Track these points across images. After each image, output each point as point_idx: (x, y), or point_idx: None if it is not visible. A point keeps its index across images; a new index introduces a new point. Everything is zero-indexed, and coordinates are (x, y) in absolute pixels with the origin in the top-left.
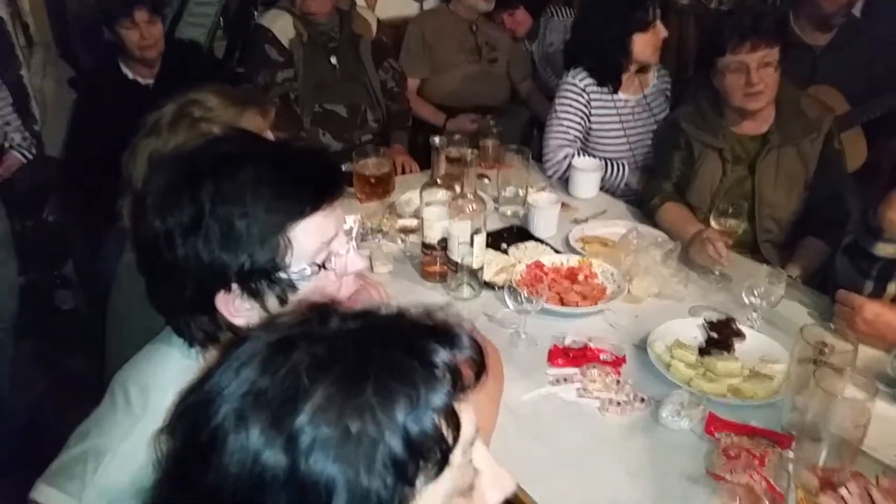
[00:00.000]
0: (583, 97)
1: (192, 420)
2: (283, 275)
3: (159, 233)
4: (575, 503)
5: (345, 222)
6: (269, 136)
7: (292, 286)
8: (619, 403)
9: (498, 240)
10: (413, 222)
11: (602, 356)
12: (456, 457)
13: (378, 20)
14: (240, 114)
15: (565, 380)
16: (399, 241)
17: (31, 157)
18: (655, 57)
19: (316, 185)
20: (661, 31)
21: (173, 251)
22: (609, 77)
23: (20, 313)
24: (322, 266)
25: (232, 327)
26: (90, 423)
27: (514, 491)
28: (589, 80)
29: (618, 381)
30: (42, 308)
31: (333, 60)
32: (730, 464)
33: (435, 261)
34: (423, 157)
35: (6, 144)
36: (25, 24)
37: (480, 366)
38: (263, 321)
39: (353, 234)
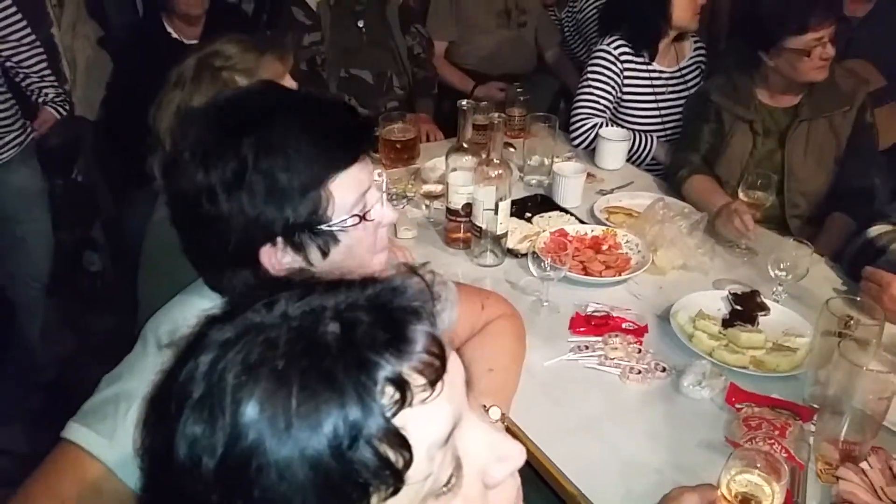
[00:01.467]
0: (616, 66)
1: (153, 420)
2: (325, 227)
3: (202, 187)
4: (593, 465)
5: (374, 176)
6: (290, 81)
7: (334, 238)
8: (639, 371)
9: (522, 208)
10: (438, 188)
11: (624, 325)
12: (417, 471)
13: None
14: (258, 59)
15: (587, 347)
16: (423, 207)
17: (64, 113)
18: (695, 22)
19: (352, 138)
20: None
21: (216, 205)
22: (646, 43)
23: (50, 273)
24: (363, 217)
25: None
26: (122, 368)
27: (524, 461)
28: (624, 49)
29: (639, 350)
30: (70, 269)
31: (360, 24)
32: (750, 433)
33: (459, 227)
34: (449, 126)
35: (40, 100)
36: None
37: (439, 369)
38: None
39: (384, 187)
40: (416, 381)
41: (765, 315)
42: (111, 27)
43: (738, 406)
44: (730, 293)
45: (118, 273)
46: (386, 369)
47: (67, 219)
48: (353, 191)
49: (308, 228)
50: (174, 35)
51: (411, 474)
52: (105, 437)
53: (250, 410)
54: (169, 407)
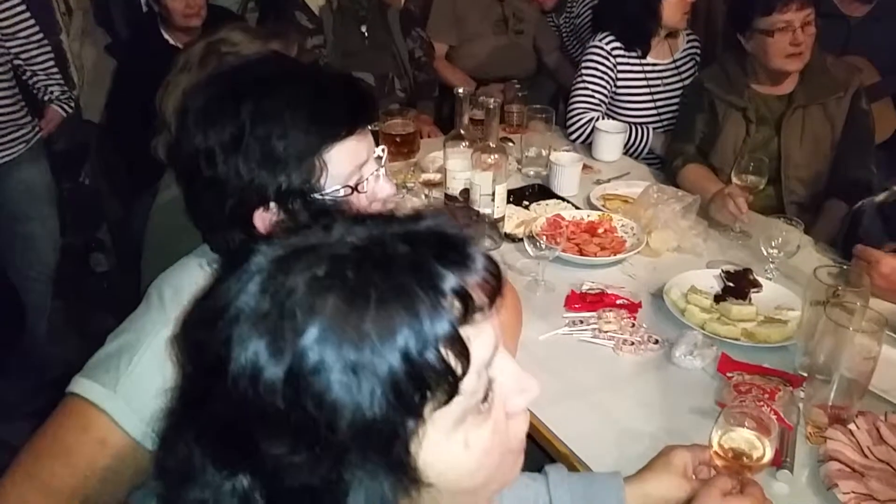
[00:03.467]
0: (609, 61)
1: (198, 338)
2: (317, 196)
3: (200, 149)
4: (587, 430)
5: (375, 150)
6: None
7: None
8: (632, 343)
9: (520, 197)
10: (437, 177)
11: (618, 301)
12: (468, 383)
13: None
14: (264, 46)
15: (581, 322)
16: (423, 196)
17: (70, 110)
18: (684, 22)
19: (351, 109)
20: None
21: (214, 168)
22: (638, 41)
23: (58, 274)
24: (355, 188)
25: None
26: (126, 324)
27: (538, 393)
28: (616, 45)
29: (633, 324)
30: (78, 270)
31: (363, 28)
32: (740, 397)
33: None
34: (450, 129)
35: (46, 98)
36: None
37: (496, 288)
38: (269, 230)
39: (383, 161)
40: (478, 296)
41: (757, 292)
42: (118, 34)
43: (728, 375)
44: (722, 271)
45: (124, 273)
46: (453, 282)
47: (75, 221)
48: (348, 162)
49: (301, 196)
50: (172, 42)
51: (464, 386)
52: (109, 389)
53: (324, 319)
54: (218, 320)
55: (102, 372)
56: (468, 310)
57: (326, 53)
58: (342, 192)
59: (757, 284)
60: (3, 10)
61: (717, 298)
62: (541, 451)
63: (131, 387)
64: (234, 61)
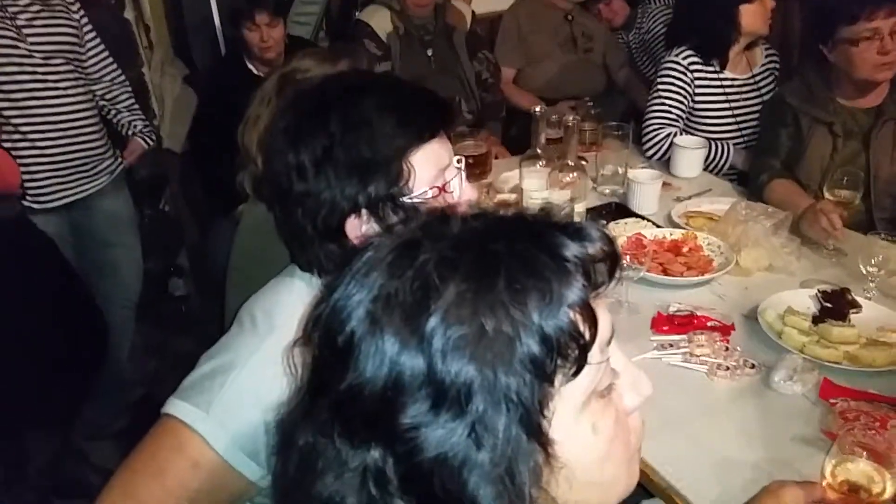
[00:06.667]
0: (686, 76)
1: (325, 329)
2: (407, 200)
3: (292, 166)
4: (685, 461)
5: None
6: None
7: (416, 211)
8: (727, 368)
9: (597, 216)
10: (512, 197)
11: (709, 324)
12: (594, 355)
13: (473, 13)
14: (334, 67)
15: (671, 345)
16: None
17: (152, 142)
18: (765, 28)
19: (433, 113)
20: (768, 1)
21: (305, 181)
22: (716, 52)
23: (138, 298)
24: (442, 189)
25: None
26: (219, 346)
27: (650, 393)
28: (693, 59)
29: (726, 348)
30: (157, 294)
31: (429, 53)
32: (848, 425)
33: None
34: (517, 150)
35: (130, 132)
36: (147, 26)
37: (614, 259)
38: (383, 229)
39: (463, 167)
40: (599, 269)
41: (856, 312)
42: (196, 66)
43: (832, 401)
44: (819, 291)
45: (202, 297)
46: (576, 250)
47: (155, 247)
48: (432, 165)
49: (391, 200)
50: (255, 72)
51: (591, 356)
52: (202, 410)
53: (457, 293)
54: (345, 307)
55: (196, 393)
56: (590, 279)
57: None
58: (430, 194)
59: (856, 305)
60: (92, 58)
61: (816, 320)
62: (637, 486)
63: (224, 408)
64: (316, 80)
